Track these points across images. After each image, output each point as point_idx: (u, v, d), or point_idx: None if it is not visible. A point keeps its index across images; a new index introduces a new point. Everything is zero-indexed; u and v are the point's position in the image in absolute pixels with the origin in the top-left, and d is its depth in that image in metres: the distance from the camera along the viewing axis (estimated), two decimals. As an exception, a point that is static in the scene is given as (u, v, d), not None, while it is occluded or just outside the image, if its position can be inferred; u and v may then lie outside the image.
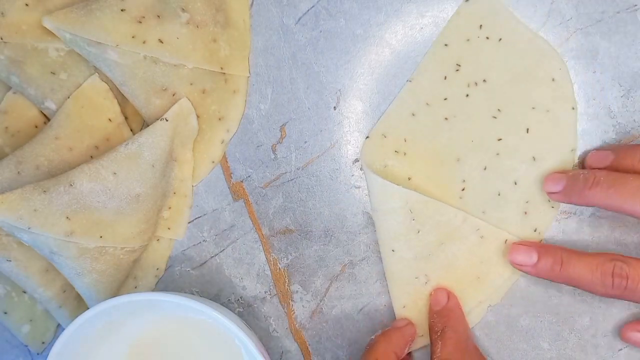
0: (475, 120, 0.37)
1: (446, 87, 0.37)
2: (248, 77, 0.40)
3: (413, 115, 0.38)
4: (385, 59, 0.39)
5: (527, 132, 0.37)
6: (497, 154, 0.37)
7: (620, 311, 0.38)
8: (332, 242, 0.40)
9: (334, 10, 0.39)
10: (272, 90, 0.40)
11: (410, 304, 0.39)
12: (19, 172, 0.37)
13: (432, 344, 0.37)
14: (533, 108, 0.37)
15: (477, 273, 0.38)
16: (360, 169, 0.40)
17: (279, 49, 0.39)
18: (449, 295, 0.38)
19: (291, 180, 0.40)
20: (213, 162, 0.41)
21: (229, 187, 0.41)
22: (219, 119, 0.40)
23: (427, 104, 0.38)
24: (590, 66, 0.37)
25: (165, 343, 0.39)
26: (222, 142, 0.40)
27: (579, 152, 0.37)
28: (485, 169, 0.38)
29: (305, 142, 0.40)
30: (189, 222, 0.41)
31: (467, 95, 0.37)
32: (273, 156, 0.40)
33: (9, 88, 0.39)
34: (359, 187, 0.40)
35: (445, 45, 0.37)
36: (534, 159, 0.37)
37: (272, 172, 0.40)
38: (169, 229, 0.41)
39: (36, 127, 0.40)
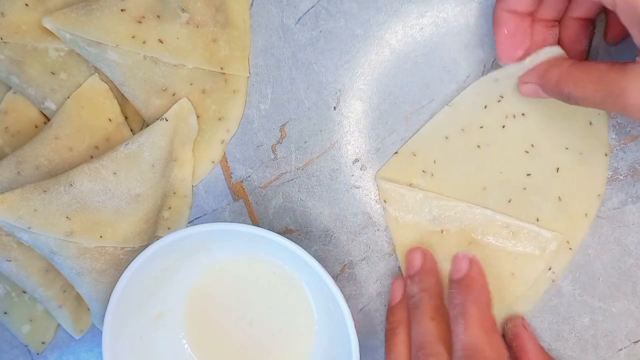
0: (507, 152, 0.37)
1: (484, 116, 0.37)
2: (248, 77, 0.40)
3: (446, 138, 0.38)
4: (385, 59, 0.39)
5: (557, 171, 0.37)
6: (524, 189, 0.37)
7: (620, 311, 0.38)
8: (332, 242, 0.40)
9: (334, 10, 0.39)
10: (272, 90, 0.40)
11: None
12: (19, 172, 0.37)
13: (452, 321, 0.34)
14: (566, 148, 0.36)
15: (512, 269, 0.38)
16: (356, 170, 0.40)
17: (279, 49, 0.39)
18: (472, 261, 0.36)
19: (291, 180, 0.40)
20: (213, 162, 0.41)
21: (229, 187, 0.41)
22: (219, 119, 0.40)
23: (462, 129, 0.37)
24: (590, 66, 0.37)
25: (222, 288, 0.40)
26: (222, 142, 0.40)
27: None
28: (509, 201, 0.37)
29: (305, 142, 0.40)
30: (189, 222, 0.41)
31: (504, 127, 0.37)
32: (273, 156, 0.40)
33: (9, 88, 0.39)
34: (359, 187, 0.40)
35: (496, 80, 0.37)
36: (560, 199, 0.37)
37: (272, 172, 0.40)
38: (169, 229, 0.41)
39: (36, 127, 0.40)
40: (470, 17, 0.37)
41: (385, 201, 0.39)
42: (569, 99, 0.31)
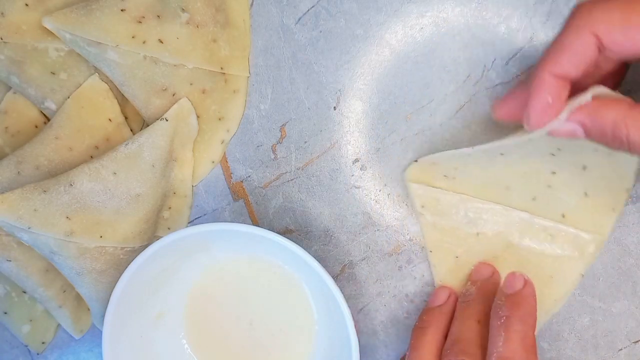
0: (532, 156, 0.36)
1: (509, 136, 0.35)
2: (248, 77, 0.40)
3: (469, 155, 0.36)
4: (385, 59, 0.39)
5: (584, 169, 0.35)
6: (549, 186, 0.36)
7: (620, 311, 0.38)
8: (332, 242, 0.40)
9: (334, 10, 0.39)
10: (272, 90, 0.40)
11: None
12: (19, 172, 0.37)
13: (492, 330, 0.32)
14: (595, 150, 0.35)
15: (550, 272, 0.37)
16: (356, 170, 0.40)
17: (279, 49, 0.39)
18: (526, 281, 0.35)
19: (291, 180, 0.40)
20: (213, 162, 0.41)
21: (229, 187, 0.41)
22: (219, 119, 0.40)
23: (486, 149, 0.35)
24: (590, 66, 0.37)
25: (222, 288, 0.40)
26: (222, 142, 0.40)
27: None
28: (534, 199, 0.37)
29: (305, 142, 0.40)
30: (189, 222, 0.41)
31: (530, 140, 0.35)
32: (273, 156, 0.40)
33: (9, 88, 0.39)
34: (359, 187, 0.40)
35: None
36: (586, 195, 0.36)
37: (272, 172, 0.40)
38: (169, 228, 0.41)
39: (36, 127, 0.40)
40: (470, 17, 0.37)
41: (422, 207, 0.38)
42: (624, 143, 0.28)
